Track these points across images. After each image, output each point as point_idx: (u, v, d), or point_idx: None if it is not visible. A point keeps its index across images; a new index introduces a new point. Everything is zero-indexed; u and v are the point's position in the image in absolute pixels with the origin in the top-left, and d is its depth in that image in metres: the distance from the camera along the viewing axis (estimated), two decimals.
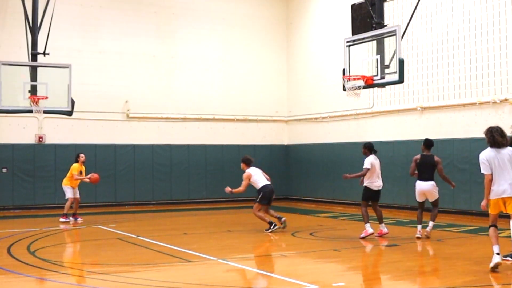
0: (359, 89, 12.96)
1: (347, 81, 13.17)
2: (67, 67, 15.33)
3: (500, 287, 7.99)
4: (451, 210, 16.00)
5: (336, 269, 9.29)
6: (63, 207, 15.59)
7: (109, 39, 20.49)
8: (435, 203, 12.02)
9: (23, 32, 15.84)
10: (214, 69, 22.09)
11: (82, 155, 15.86)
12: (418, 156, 12.06)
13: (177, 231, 13.78)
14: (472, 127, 15.74)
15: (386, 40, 12.74)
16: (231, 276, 8.86)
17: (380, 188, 12.31)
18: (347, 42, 13.32)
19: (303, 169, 22.20)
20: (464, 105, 16.21)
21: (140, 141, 20.74)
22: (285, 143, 23.26)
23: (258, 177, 13.32)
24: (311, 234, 12.98)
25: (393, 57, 12.54)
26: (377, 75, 12.75)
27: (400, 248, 11.08)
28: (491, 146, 8.62)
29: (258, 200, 13.18)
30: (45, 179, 19.27)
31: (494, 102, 15.36)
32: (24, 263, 9.48)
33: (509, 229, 8.91)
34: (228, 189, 13.36)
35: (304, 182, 22.17)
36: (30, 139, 19.35)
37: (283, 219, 13.23)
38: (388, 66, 12.71)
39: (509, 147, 8.63)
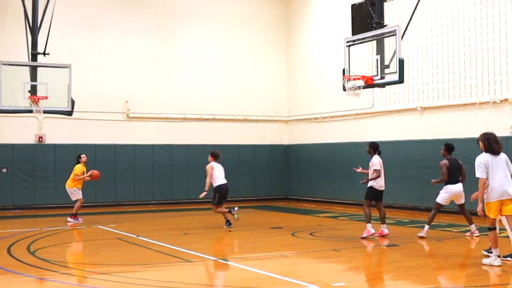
0: (359, 89, 12.96)
1: (347, 81, 13.17)
2: (67, 67, 15.35)
3: (500, 287, 8.00)
4: (451, 210, 15.95)
5: (336, 269, 9.29)
6: (63, 207, 15.61)
7: (109, 39, 20.49)
8: (464, 206, 12.07)
9: (23, 32, 15.85)
10: (214, 69, 22.10)
11: (83, 155, 15.89)
12: (446, 161, 12.04)
13: (177, 231, 13.77)
14: (472, 127, 15.74)
15: (386, 40, 12.75)
16: (231, 276, 8.87)
17: (383, 188, 12.34)
18: (347, 42, 13.33)
19: (303, 169, 22.20)
20: (464, 105, 16.22)
21: (140, 141, 20.74)
22: (285, 143, 23.26)
23: (218, 174, 13.73)
24: (311, 234, 12.99)
25: (393, 57, 12.54)
26: (377, 75, 12.75)
27: (400, 248, 11.09)
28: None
29: (216, 202, 13.68)
30: (45, 179, 19.26)
31: (494, 102, 15.36)
32: (24, 263, 9.49)
33: (507, 230, 8.93)
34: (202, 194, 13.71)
35: (304, 182, 22.18)
36: (30, 139, 19.34)
37: (235, 209, 13.69)
38: (388, 66, 12.71)
39: (502, 153, 8.94)
